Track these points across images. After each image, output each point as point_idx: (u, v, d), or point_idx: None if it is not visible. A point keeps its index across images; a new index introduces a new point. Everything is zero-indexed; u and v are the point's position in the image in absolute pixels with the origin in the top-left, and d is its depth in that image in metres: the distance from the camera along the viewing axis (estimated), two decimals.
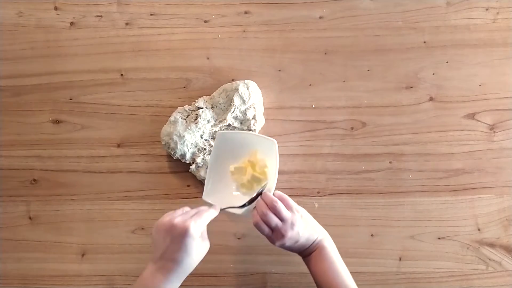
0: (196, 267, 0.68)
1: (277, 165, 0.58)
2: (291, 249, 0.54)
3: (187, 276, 0.68)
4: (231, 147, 0.62)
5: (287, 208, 0.52)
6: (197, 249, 0.48)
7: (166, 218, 0.48)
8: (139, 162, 0.71)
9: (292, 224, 0.52)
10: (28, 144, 0.72)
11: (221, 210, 0.55)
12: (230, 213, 0.58)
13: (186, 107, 0.69)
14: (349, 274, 0.54)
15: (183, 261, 0.46)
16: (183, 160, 0.68)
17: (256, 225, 0.53)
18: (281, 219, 0.52)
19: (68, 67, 0.72)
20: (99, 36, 0.72)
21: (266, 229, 0.52)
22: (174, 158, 0.68)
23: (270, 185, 0.57)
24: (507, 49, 0.71)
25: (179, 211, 0.51)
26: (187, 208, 0.53)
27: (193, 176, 0.69)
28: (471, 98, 0.70)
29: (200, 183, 0.70)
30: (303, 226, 0.53)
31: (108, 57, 0.72)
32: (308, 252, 0.55)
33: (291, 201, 0.54)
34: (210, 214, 0.51)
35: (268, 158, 0.60)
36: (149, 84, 0.72)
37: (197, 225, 0.47)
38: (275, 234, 0.52)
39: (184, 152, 0.67)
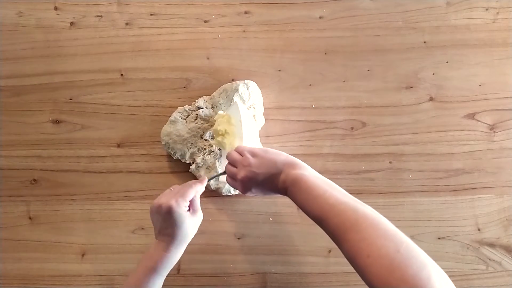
0: (196, 267, 0.69)
1: (243, 124, 0.59)
2: (261, 191, 0.53)
3: (187, 276, 0.69)
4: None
5: (240, 154, 0.54)
6: (187, 221, 0.52)
7: (156, 199, 0.53)
8: (139, 162, 0.71)
9: (243, 166, 0.52)
10: (28, 144, 0.72)
11: (209, 180, 0.59)
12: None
13: (186, 107, 0.69)
14: (335, 188, 0.47)
15: (176, 233, 0.51)
16: (183, 160, 0.68)
17: (227, 181, 0.56)
18: (234, 165, 0.54)
19: (68, 67, 0.72)
20: (99, 36, 0.72)
21: (230, 180, 0.55)
22: (174, 158, 0.68)
23: (238, 143, 0.60)
24: (507, 49, 0.71)
25: (167, 191, 0.54)
26: (175, 186, 0.56)
27: (193, 176, 0.69)
28: (471, 98, 0.70)
29: None
30: (258, 163, 0.52)
31: (108, 57, 0.72)
32: (283, 188, 0.51)
33: (244, 147, 0.55)
34: (194, 188, 0.54)
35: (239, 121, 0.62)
36: (149, 84, 0.72)
37: (179, 202, 0.51)
38: (237, 182, 0.53)
39: (184, 152, 0.67)
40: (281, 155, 0.53)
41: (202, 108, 0.68)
